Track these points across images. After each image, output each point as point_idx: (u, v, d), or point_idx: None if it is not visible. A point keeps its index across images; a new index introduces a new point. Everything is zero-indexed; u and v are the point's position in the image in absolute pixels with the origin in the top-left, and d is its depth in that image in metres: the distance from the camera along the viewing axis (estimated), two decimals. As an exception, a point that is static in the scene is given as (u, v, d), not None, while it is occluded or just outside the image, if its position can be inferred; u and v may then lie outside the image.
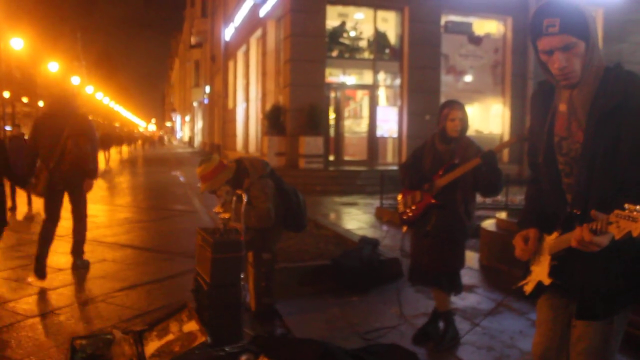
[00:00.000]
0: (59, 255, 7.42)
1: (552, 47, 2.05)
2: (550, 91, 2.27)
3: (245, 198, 4.18)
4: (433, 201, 4.04)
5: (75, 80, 45.47)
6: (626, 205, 1.72)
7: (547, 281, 2.21)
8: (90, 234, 7.86)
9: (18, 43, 27.47)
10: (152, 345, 3.74)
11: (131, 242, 8.41)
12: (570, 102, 2.16)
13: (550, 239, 2.21)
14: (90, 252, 7.48)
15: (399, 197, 4.35)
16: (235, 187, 4.42)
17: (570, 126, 2.17)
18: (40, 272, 5.96)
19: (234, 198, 4.26)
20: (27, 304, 5.26)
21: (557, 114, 2.22)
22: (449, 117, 4.04)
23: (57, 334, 4.47)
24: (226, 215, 4.15)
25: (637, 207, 1.70)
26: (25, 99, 39.45)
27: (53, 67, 35.54)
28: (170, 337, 3.75)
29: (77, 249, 6.57)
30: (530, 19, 2.15)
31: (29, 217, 10.71)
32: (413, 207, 4.17)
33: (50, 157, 6.06)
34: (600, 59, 2.12)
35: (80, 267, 6.53)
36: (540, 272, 2.27)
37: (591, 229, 1.85)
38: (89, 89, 54.35)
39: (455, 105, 4.09)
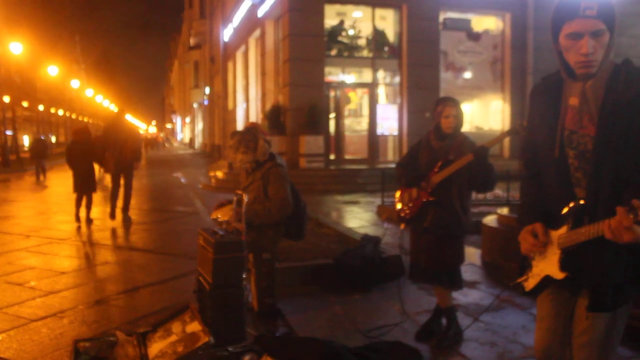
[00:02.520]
0: (62, 258, 7.45)
1: (584, 30, 2.05)
2: (557, 85, 2.27)
3: (245, 198, 4.18)
4: (429, 198, 4.05)
5: (75, 83, 45.46)
6: None
7: (559, 275, 2.20)
8: (93, 237, 7.89)
9: (17, 47, 27.49)
10: (155, 347, 3.75)
11: (134, 244, 8.42)
12: (582, 95, 2.15)
13: (558, 234, 2.20)
14: (93, 255, 7.52)
15: (397, 195, 4.36)
16: (257, 165, 4.49)
17: (582, 120, 2.16)
18: (113, 215, 10.14)
19: (235, 198, 4.26)
20: (30, 307, 5.27)
21: (566, 108, 2.22)
22: (443, 114, 4.05)
23: (60, 337, 4.48)
24: (225, 218, 4.16)
25: None
26: (25, 103, 39.45)
27: (52, 70, 35.57)
28: (173, 338, 3.76)
29: (126, 207, 10.35)
30: (560, 3, 2.12)
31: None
32: (410, 205, 4.18)
33: (115, 150, 10.05)
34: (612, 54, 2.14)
35: (127, 220, 10.23)
36: (546, 268, 2.26)
37: (633, 217, 1.80)
38: (89, 92, 54.35)
39: (449, 102, 4.09)
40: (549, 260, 2.25)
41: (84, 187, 10.17)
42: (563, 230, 2.18)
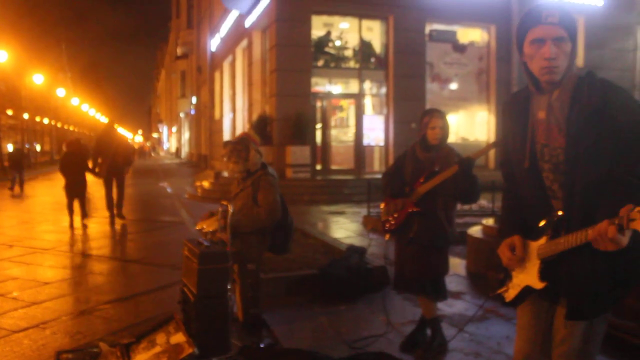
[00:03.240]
0: (45, 268, 7.38)
1: (546, 36, 2.12)
2: (525, 100, 2.31)
3: (231, 209, 4.18)
4: (414, 209, 4.07)
5: (61, 91, 45.11)
6: None
7: (539, 285, 2.23)
8: (77, 247, 7.83)
9: (2, 55, 27.26)
10: (139, 358, 3.72)
11: (119, 255, 8.36)
12: (549, 107, 2.20)
13: (538, 245, 2.23)
14: (77, 265, 7.46)
15: (382, 205, 4.38)
16: (248, 174, 4.50)
17: (551, 132, 2.20)
18: (121, 216, 11.65)
19: (220, 209, 4.26)
20: (12, 318, 5.21)
21: (536, 122, 2.26)
22: (430, 126, 4.08)
23: (42, 348, 4.43)
24: (210, 229, 4.16)
25: None
26: (10, 112, 39.09)
27: (38, 79, 35.31)
28: (157, 349, 3.73)
29: (120, 205, 11.66)
30: (524, 14, 2.21)
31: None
32: (395, 215, 4.20)
33: (108, 157, 11.31)
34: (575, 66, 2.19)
35: (120, 216, 11.56)
36: (526, 278, 2.28)
37: (617, 226, 1.82)
38: (75, 101, 53.96)
39: (436, 113, 4.13)
40: (528, 270, 2.28)
41: (76, 191, 11.00)
42: (543, 240, 2.21)
